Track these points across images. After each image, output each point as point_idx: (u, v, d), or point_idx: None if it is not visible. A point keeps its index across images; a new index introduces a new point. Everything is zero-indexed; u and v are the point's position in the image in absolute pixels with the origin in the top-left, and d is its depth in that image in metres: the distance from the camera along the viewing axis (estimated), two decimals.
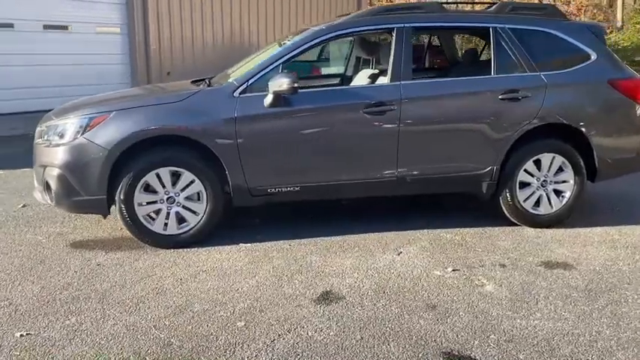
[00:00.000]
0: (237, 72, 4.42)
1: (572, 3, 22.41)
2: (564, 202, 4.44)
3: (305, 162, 4.13)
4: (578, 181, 4.42)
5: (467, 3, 5.77)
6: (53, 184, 3.91)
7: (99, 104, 4.17)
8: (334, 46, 10.09)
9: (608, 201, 5.23)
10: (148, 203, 3.96)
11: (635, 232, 4.41)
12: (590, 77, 4.42)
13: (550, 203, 4.44)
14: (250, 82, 4.02)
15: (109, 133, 3.83)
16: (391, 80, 4.21)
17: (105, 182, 3.85)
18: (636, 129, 4.51)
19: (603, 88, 4.41)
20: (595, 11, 22.15)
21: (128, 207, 3.89)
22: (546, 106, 4.27)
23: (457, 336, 2.88)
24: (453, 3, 5.96)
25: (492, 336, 2.88)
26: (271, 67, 4.07)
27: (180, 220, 4.02)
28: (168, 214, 3.99)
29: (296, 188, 4.12)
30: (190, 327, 2.96)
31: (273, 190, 4.10)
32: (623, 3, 23.17)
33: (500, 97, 4.24)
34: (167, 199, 3.98)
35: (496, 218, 4.53)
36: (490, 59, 4.41)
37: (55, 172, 3.88)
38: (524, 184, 4.39)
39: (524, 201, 4.40)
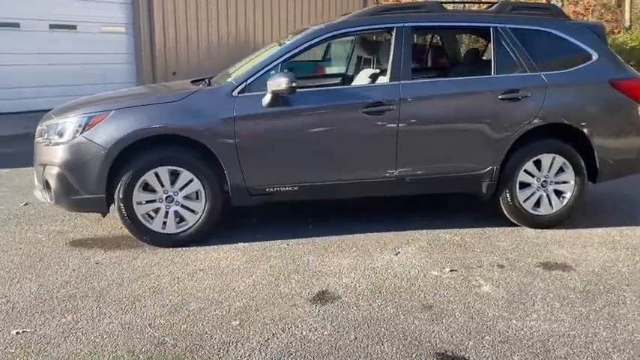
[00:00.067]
0: (238, 71, 4.43)
1: (580, 3, 22.30)
2: (565, 202, 4.42)
3: (303, 162, 4.13)
4: (578, 181, 4.39)
5: (467, 3, 5.74)
6: (53, 183, 3.93)
7: (98, 103, 4.19)
8: (338, 45, 10.08)
9: (610, 202, 5.20)
10: (147, 202, 3.98)
11: (636, 234, 4.38)
12: (591, 77, 4.39)
13: (550, 204, 4.42)
14: (249, 81, 4.03)
15: (108, 132, 3.84)
16: (390, 80, 4.21)
17: (104, 181, 3.86)
18: (637, 129, 4.48)
19: (604, 89, 4.38)
20: (603, 11, 22.01)
21: (127, 206, 3.91)
22: (547, 106, 4.25)
23: (452, 337, 2.87)
24: (454, 3, 5.92)
25: (487, 337, 2.87)
26: (270, 66, 4.07)
27: (179, 219, 4.03)
28: (167, 212, 4.00)
29: (294, 188, 4.12)
30: (185, 326, 2.96)
31: (271, 189, 4.10)
32: (631, 3, 23.01)
33: (500, 97, 4.23)
34: (166, 198, 3.99)
35: (496, 219, 4.51)
36: (491, 59, 4.38)
37: (55, 170, 3.90)
38: (524, 185, 4.37)
39: (525, 201, 4.38)
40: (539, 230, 4.41)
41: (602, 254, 3.98)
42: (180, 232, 4.03)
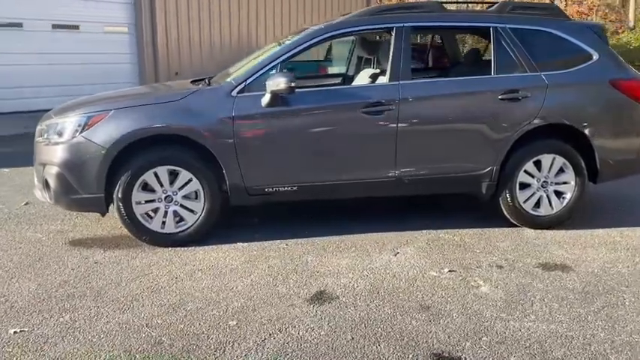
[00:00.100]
0: (238, 72, 4.42)
1: (584, 3, 22.23)
2: (565, 203, 4.40)
3: (302, 162, 4.12)
4: (579, 182, 4.37)
5: (467, 3, 5.73)
6: (52, 182, 3.94)
7: (98, 103, 4.19)
8: (340, 45, 10.07)
9: (611, 202, 5.18)
10: (146, 202, 3.98)
11: (636, 234, 4.37)
12: (592, 77, 4.37)
13: (550, 204, 4.40)
14: (248, 81, 4.03)
15: (107, 132, 3.85)
16: (390, 80, 4.20)
17: (103, 180, 3.87)
18: (638, 130, 4.46)
19: (605, 89, 4.36)
20: (607, 11, 21.95)
21: (126, 205, 3.91)
22: (547, 106, 4.24)
23: (449, 337, 2.86)
24: (454, 3, 5.91)
25: (484, 338, 2.86)
26: (269, 66, 4.07)
27: (178, 218, 4.03)
28: (166, 212, 4.00)
29: (293, 188, 4.12)
30: (182, 325, 2.97)
31: (270, 189, 4.10)
32: (635, 3, 22.93)
33: (499, 97, 4.21)
34: (165, 197, 3.99)
35: (496, 219, 4.50)
36: (491, 59, 4.37)
37: (54, 170, 3.91)
38: (524, 185, 4.36)
39: (525, 202, 4.37)
40: (539, 231, 4.40)
41: (602, 255, 3.97)
42: (180, 231, 4.04)
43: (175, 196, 4.00)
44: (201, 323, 2.99)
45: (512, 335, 2.89)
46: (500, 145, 4.24)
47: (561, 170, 4.37)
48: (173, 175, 3.98)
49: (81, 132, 3.87)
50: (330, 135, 4.13)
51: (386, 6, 4.59)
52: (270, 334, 2.88)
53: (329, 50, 11.13)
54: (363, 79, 5.01)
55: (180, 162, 3.95)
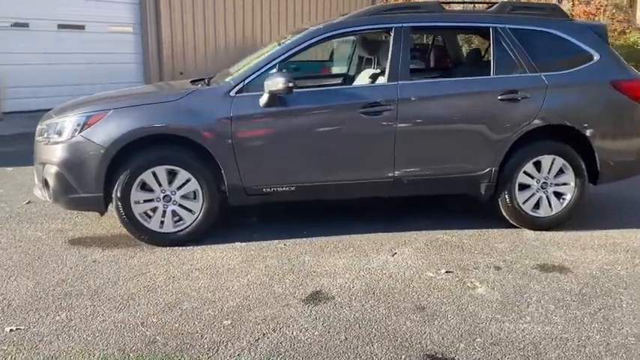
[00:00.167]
0: (238, 71, 4.43)
1: (592, 3, 22.09)
2: (565, 204, 4.38)
3: (301, 162, 4.13)
4: (579, 183, 4.35)
5: (467, 3, 5.71)
6: (51, 181, 3.96)
7: (97, 103, 4.21)
8: (344, 45, 10.07)
9: (613, 203, 5.15)
10: (145, 201, 4.00)
11: (637, 236, 4.34)
12: (593, 78, 4.35)
13: (550, 205, 4.38)
14: (247, 81, 4.03)
15: (106, 132, 3.87)
16: (389, 80, 4.20)
17: (102, 180, 3.88)
18: (639, 131, 4.43)
19: (606, 90, 4.34)
20: (614, 11, 21.79)
21: (125, 205, 3.93)
22: (546, 107, 4.22)
23: (443, 338, 2.86)
24: (454, 3, 5.89)
25: (479, 339, 2.86)
26: (267, 66, 4.07)
27: (177, 218, 4.05)
28: (164, 212, 4.02)
29: (291, 188, 4.13)
30: (177, 325, 2.98)
31: (268, 189, 4.11)
32: None
33: (499, 97, 4.20)
34: (163, 197, 4.01)
35: (495, 220, 4.49)
36: (490, 60, 4.36)
37: (53, 169, 3.93)
38: (523, 186, 4.34)
39: (524, 203, 4.35)
40: (538, 232, 4.38)
41: (601, 257, 3.95)
42: (178, 231, 4.05)
43: (174, 195, 4.01)
44: (196, 322, 3.00)
45: (506, 337, 2.88)
46: (500, 145, 4.23)
47: (561, 171, 4.35)
48: (172, 175, 3.99)
49: (80, 131, 3.89)
50: (329, 135, 4.13)
51: (385, 6, 4.59)
52: (263, 334, 2.88)
53: (333, 50, 11.13)
54: (363, 79, 5.01)
55: (179, 162, 3.97)
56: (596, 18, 20.81)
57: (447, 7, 4.68)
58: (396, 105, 4.09)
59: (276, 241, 4.17)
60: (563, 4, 21.95)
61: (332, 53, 11.16)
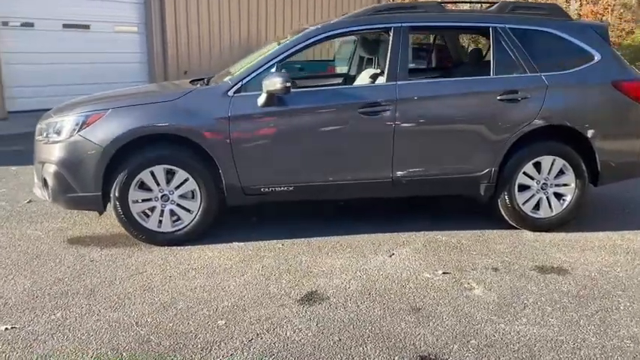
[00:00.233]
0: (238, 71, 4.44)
1: (600, 3, 21.97)
2: (565, 205, 4.35)
3: (299, 162, 4.12)
4: (579, 184, 4.32)
5: (467, 2, 5.69)
6: (50, 181, 3.98)
7: (96, 102, 4.22)
8: (347, 45, 10.07)
9: (614, 204, 5.12)
10: (143, 200, 4.01)
11: (638, 237, 4.31)
12: (594, 78, 4.31)
13: (550, 207, 4.35)
14: (245, 81, 4.04)
15: (104, 131, 3.88)
16: (387, 80, 4.18)
17: (100, 179, 3.90)
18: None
19: (607, 90, 4.31)
20: (622, 11, 21.66)
21: (123, 204, 3.94)
22: (546, 107, 4.19)
23: (437, 340, 2.84)
24: (454, 2, 5.87)
25: (473, 341, 2.84)
26: (265, 66, 4.07)
27: (175, 217, 4.05)
28: (162, 211, 4.03)
29: (290, 188, 4.12)
30: (171, 324, 2.98)
31: (266, 189, 4.10)
32: None
33: (498, 97, 4.18)
34: (161, 196, 4.01)
35: (495, 221, 4.46)
36: (490, 60, 4.34)
37: (52, 168, 3.94)
38: (523, 187, 4.31)
39: (524, 204, 4.32)
40: (538, 233, 4.35)
41: (601, 258, 3.92)
42: (176, 230, 4.06)
43: (172, 195, 4.02)
44: (190, 322, 3.00)
45: (501, 338, 2.86)
46: (499, 146, 4.20)
47: (561, 172, 4.32)
48: (170, 175, 3.99)
49: (78, 131, 3.90)
50: (327, 135, 4.12)
51: (384, 5, 4.56)
52: (257, 334, 2.88)
53: (338, 50, 11.14)
54: (364, 79, 5.00)
55: (177, 161, 3.97)
56: (604, 18, 20.69)
57: (450, 6, 4.65)
58: (395, 105, 4.08)
59: (275, 240, 4.16)
60: (570, 3, 21.83)
61: (337, 53, 11.17)
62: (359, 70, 5.55)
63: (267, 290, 3.38)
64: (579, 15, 21.40)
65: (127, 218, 3.97)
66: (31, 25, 9.97)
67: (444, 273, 3.65)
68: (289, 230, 4.35)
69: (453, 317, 3.07)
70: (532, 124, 4.19)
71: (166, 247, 4.02)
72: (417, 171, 4.23)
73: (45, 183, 4.06)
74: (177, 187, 4.01)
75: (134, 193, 3.96)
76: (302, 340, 2.83)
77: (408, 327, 2.96)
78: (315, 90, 4.54)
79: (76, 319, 3.02)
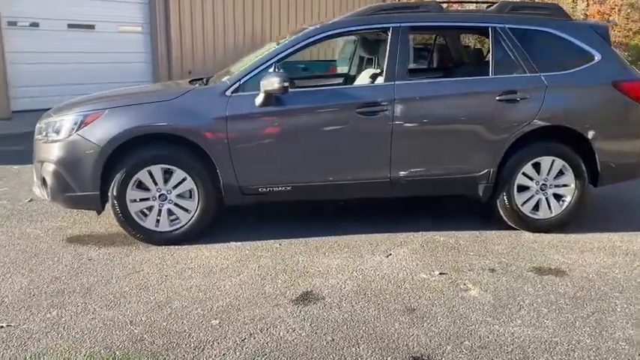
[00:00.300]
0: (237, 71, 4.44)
1: (606, 2, 21.85)
2: (564, 206, 4.33)
3: (297, 162, 4.12)
4: (579, 185, 4.30)
5: (467, 2, 5.66)
6: (49, 180, 4.00)
7: (94, 102, 4.24)
8: (348, 45, 10.05)
9: (615, 205, 5.08)
10: (141, 200, 4.02)
11: (637, 239, 4.28)
12: (594, 78, 4.29)
13: (549, 207, 4.33)
14: (242, 81, 4.04)
15: (102, 131, 3.89)
16: (386, 80, 4.18)
17: (98, 179, 3.91)
18: None
19: (607, 90, 4.28)
20: (629, 11, 21.51)
21: (121, 203, 3.95)
22: (546, 107, 4.17)
23: (430, 341, 2.84)
24: (454, 2, 5.85)
25: (466, 342, 2.83)
26: (263, 66, 4.07)
27: (173, 217, 4.06)
28: (160, 211, 4.04)
29: (287, 188, 4.12)
30: (165, 324, 2.98)
31: (264, 189, 4.10)
32: None
33: (497, 98, 4.16)
34: (159, 196, 4.02)
35: (494, 222, 4.45)
36: (489, 60, 4.32)
37: (51, 167, 3.96)
38: (522, 188, 4.29)
39: (523, 205, 4.31)
40: (536, 234, 4.33)
41: (599, 260, 3.89)
42: (174, 230, 4.07)
43: (170, 194, 4.03)
44: (185, 322, 3.00)
45: (495, 340, 2.85)
46: (498, 146, 4.19)
47: (561, 173, 4.30)
48: (168, 174, 4.00)
49: (77, 130, 3.92)
50: (325, 135, 4.11)
51: (384, 5, 4.55)
52: (250, 334, 2.88)
53: (342, 50, 11.11)
54: (363, 79, 4.99)
55: (175, 161, 3.98)
56: (611, 18, 20.58)
57: (455, 7, 4.64)
58: (393, 105, 4.07)
59: (272, 240, 4.17)
60: (577, 3, 21.73)
61: (340, 53, 11.15)
62: (359, 70, 5.55)
63: (263, 290, 3.38)
64: (586, 15, 21.30)
65: (124, 217, 3.98)
66: (36, 25, 10.01)
67: (440, 273, 3.63)
68: (287, 230, 4.35)
69: (447, 318, 3.06)
70: (531, 125, 4.17)
71: (164, 247, 4.03)
72: (416, 171, 4.22)
73: (44, 182, 4.08)
74: (175, 186, 4.02)
75: (132, 193, 3.97)
76: (295, 340, 2.82)
77: (402, 327, 2.95)
78: (314, 90, 4.54)
79: (71, 318, 3.03)
